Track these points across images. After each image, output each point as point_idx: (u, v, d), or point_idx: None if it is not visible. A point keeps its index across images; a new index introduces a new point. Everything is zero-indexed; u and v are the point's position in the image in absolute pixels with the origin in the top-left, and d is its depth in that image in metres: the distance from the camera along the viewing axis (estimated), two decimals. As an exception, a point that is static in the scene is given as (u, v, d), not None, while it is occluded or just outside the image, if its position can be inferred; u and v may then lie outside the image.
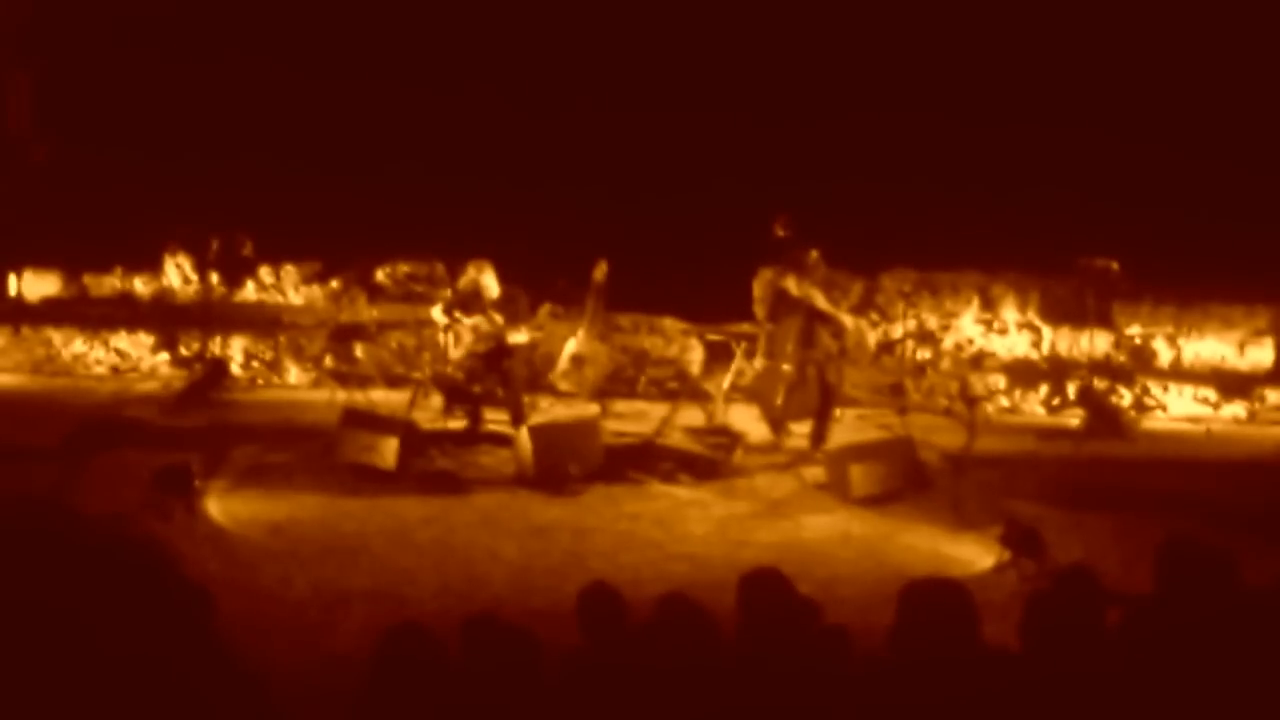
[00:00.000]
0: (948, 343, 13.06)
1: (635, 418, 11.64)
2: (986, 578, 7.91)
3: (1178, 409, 12.33)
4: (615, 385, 12.32)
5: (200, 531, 8.86)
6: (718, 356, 12.19)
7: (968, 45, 14.97)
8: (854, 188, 13.64)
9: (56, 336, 13.61)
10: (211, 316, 13.46)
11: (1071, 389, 12.34)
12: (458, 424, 10.98)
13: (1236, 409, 12.28)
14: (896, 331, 13.16)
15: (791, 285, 10.77)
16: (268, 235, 14.13)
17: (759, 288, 11.87)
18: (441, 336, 11.10)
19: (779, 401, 10.69)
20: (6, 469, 9.58)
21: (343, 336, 13.10)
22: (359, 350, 13.07)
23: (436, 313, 11.11)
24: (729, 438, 10.93)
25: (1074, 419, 12.01)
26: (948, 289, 13.21)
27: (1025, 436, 11.50)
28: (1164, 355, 12.77)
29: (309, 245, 14.08)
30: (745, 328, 11.54)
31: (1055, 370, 12.62)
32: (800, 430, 10.80)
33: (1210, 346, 12.70)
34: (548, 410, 11.38)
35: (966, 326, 13.09)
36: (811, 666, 4.39)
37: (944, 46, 15.05)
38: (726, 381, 11.43)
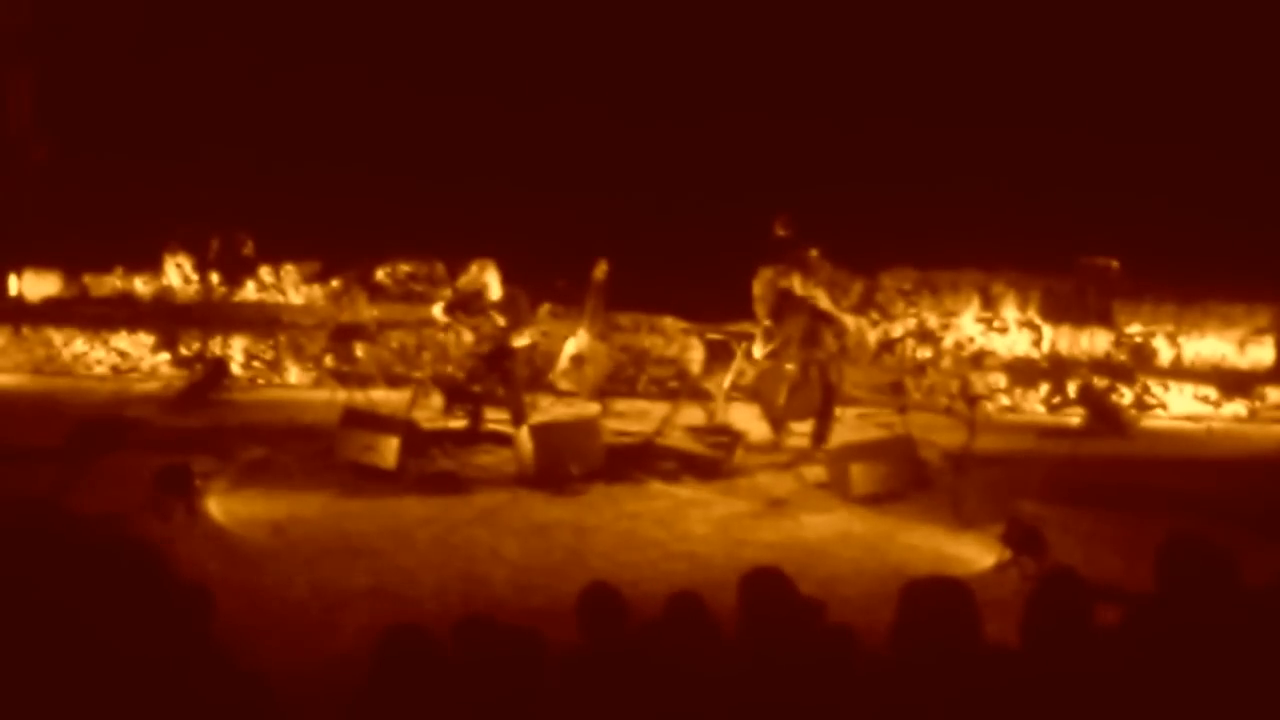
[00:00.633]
0: (948, 341, 13.05)
1: (636, 417, 11.65)
2: (988, 576, 7.90)
3: (1178, 407, 12.32)
4: (616, 384, 12.33)
5: (200, 531, 8.86)
6: (718, 356, 12.19)
7: (967, 45, 14.98)
8: (854, 187, 13.65)
9: (57, 336, 13.61)
10: (212, 316, 13.48)
11: (1072, 388, 12.33)
12: (458, 423, 10.99)
13: (1237, 407, 12.26)
14: (897, 330, 13.16)
15: (796, 285, 10.79)
16: (268, 235, 14.15)
17: (759, 287, 11.91)
18: (442, 335, 11.10)
19: (781, 401, 10.70)
20: (6, 469, 9.60)
21: (343, 336, 13.10)
22: (359, 350, 13.07)
23: (437, 310, 11.10)
24: (729, 437, 10.93)
25: (1074, 418, 12.01)
26: (948, 287, 13.20)
27: (1026, 435, 11.50)
28: (1164, 354, 12.75)
29: (309, 245, 14.09)
30: (745, 327, 11.55)
31: (1056, 369, 12.61)
32: (800, 429, 10.80)
33: (1211, 345, 12.68)
34: (548, 409, 11.39)
35: (967, 325, 13.08)
36: (813, 665, 4.39)
37: (944, 47, 15.06)
38: (727, 381, 11.43)
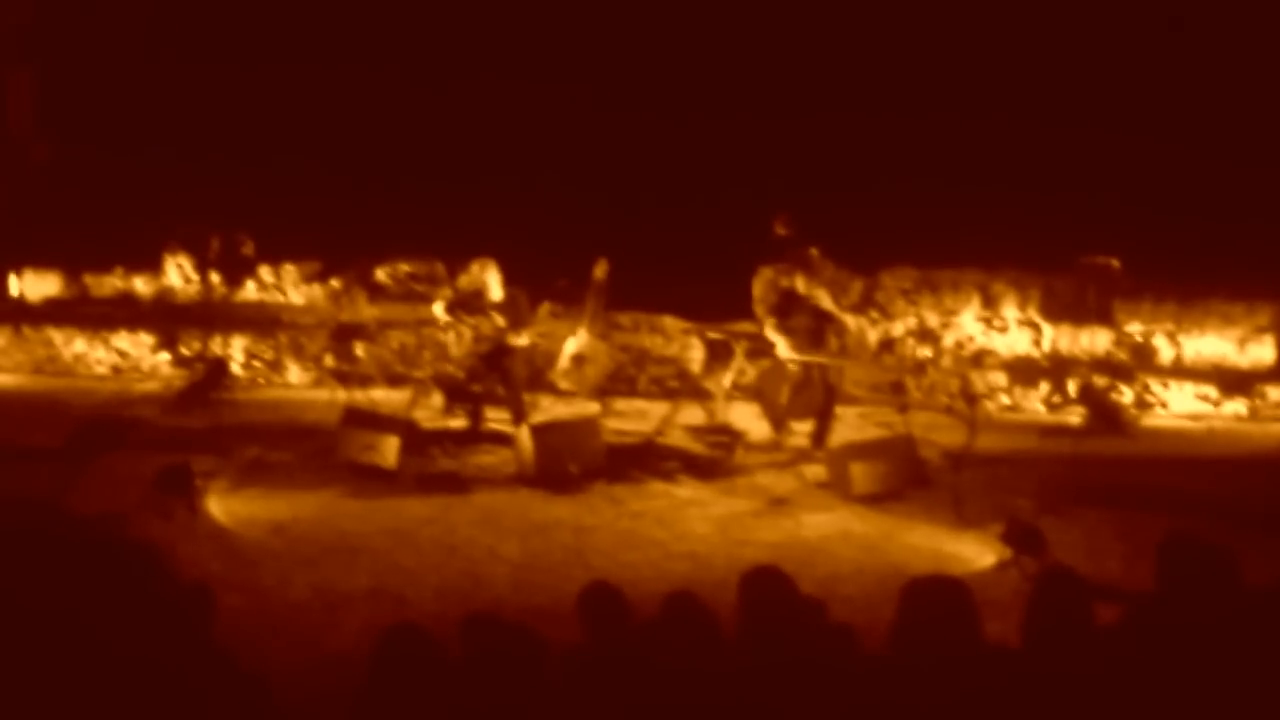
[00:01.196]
0: (948, 340, 13.05)
1: (636, 416, 11.66)
2: (988, 575, 7.90)
3: (1179, 406, 12.32)
4: (616, 384, 12.33)
5: (201, 531, 8.86)
6: (718, 355, 12.19)
7: (967, 44, 14.98)
8: (854, 186, 13.65)
9: (57, 336, 13.61)
10: (212, 316, 13.47)
11: (1072, 386, 12.33)
12: (458, 423, 10.99)
13: (1237, 406, 12.27)
14: (897, 329, 13.16)
15: (800, 284, 10.79)
16: (268, 235, 14.14)
17: (759, 287, 11.89)
18: (442, 335, 11.10)
19: (783, 400, 10.70)
20: (6, 469, 9.60)
21: (343, 336, 13.11)
22: (360, 349, 13.08)
23: (438, 309, 11.11)
24: (730, 436, 10.93)
25: (1075, 417, 12.01)
26: (948, 286, 13.20)
27: (1026, 434, 11.51)
28: (1165, 352, 12.76)
29: (309, 245, 14.09)
30: (745, 327, 11.54)
31: (1056, 368, 12.61)
32: (801, 429, 10.81)
33: (1211, 344, 12.68)
34: (548, 409, 11.39)
35: (967, 324, 13.08)
36: (813, 665, 4.39)
37: (944, 45, 15.06)
38: (727, 380, 11.43)
